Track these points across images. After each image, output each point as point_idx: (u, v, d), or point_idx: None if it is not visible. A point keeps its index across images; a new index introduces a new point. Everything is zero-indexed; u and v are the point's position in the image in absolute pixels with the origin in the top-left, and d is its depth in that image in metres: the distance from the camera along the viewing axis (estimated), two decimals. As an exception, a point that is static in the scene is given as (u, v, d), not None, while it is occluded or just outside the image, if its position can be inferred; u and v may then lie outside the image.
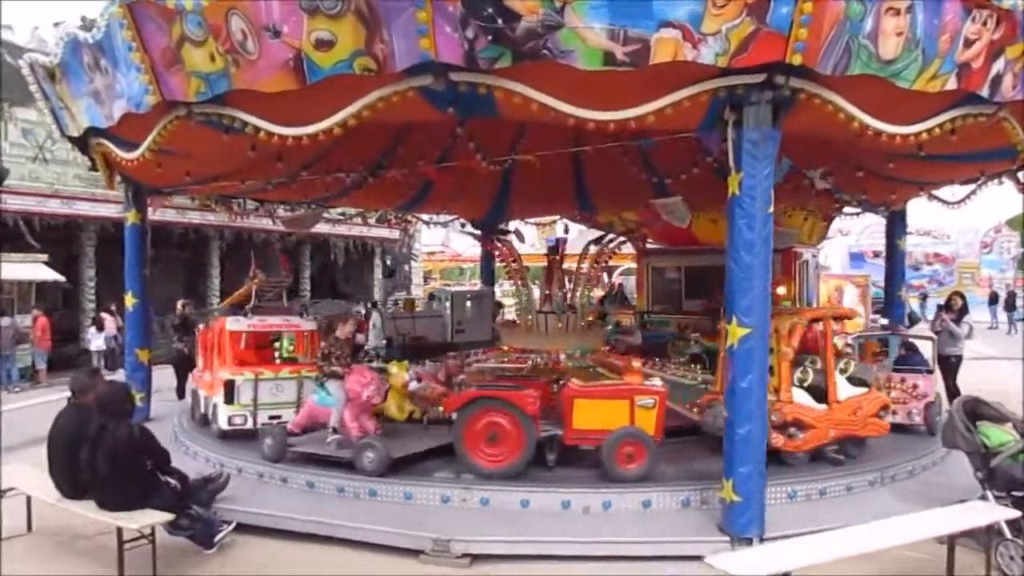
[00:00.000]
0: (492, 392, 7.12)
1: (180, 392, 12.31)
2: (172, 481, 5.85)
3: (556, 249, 11.58)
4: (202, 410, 9.14)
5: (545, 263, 11.29)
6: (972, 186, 10.35)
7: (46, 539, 6.51)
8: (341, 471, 7.09)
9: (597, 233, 17.58)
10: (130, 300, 10.11)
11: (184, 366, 12.14)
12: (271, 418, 8.38)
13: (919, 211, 14.88)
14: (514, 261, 11.00)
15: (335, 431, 7.54)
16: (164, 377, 12.63)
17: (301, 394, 8.49)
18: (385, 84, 5.58)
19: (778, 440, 6.95)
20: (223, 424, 8.34)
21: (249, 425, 8.32)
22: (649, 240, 18.27)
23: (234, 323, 8.84)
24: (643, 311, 17.56)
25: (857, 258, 34.52)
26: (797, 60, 5.20)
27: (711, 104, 5.66)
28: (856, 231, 35.78)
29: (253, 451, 7.80)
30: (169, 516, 5.56)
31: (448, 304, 16.14)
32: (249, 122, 6.16)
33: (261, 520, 6.50)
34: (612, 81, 5.32)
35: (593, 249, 11.25)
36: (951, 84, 5.86)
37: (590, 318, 11.43)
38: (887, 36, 5.45)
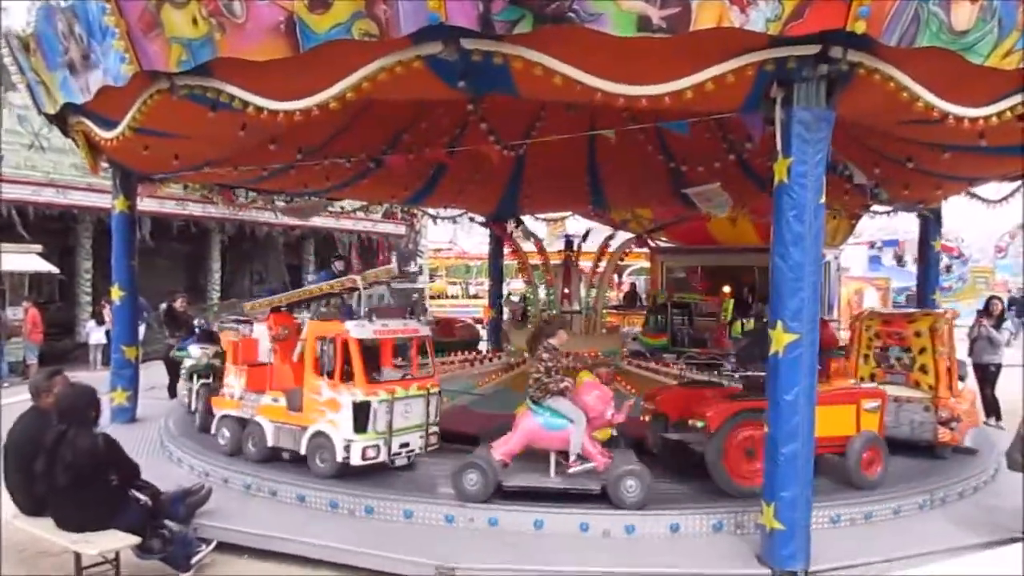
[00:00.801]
0: (751, 403, 6.28)
1: (172, 390, 11.72)
2: (142, 497, 5.20)
3: (572, 245, 10.99)
4: (269, 442, 7.15)
5: (561, 260, 10.70)
6: (1017, 183, 9.68)
7: (10, 555, 5.88)
8: (336, 485, 6.45)
9: (607, 231, 17.08)
10: (117, 293, 9.49)
11: (177, 363, 11.55)
12: (401, 446, 6.82)
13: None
14: (542, 257, 10.40)
15: (580, 459, 6.15)
16: (158, 374, 12.11)
17: (429, 415, 7.04)
18: (388, 52, 4.92)
19: (945, 435, 7.65)
20: (355, 459, 6.50)
21: (383, 457, 6.68)
22: (663, 239, 17.66)
23: (359, 329, 6.78)
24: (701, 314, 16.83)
25: (875, 260, 33.80)
26: (860, 27, 4.52)
27: (757, 79, 4.98)
28: (867, 234, 35.04)
29: (239, 459, 7.18)
30: (135, 539, 4.91)
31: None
32: (236, 96, 5.52)
33: (246, 539, 5.86)
34: (646, 50, 4.65)
35: (613, 246, 10.69)
36: (1028, 61, 5.17)
37: (610, 319, 10.86)
38: (960, 4, 4.77)
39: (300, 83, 5.32)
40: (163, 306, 12.50)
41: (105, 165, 8.98)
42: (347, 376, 6.71)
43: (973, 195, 10.54)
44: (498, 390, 8.85)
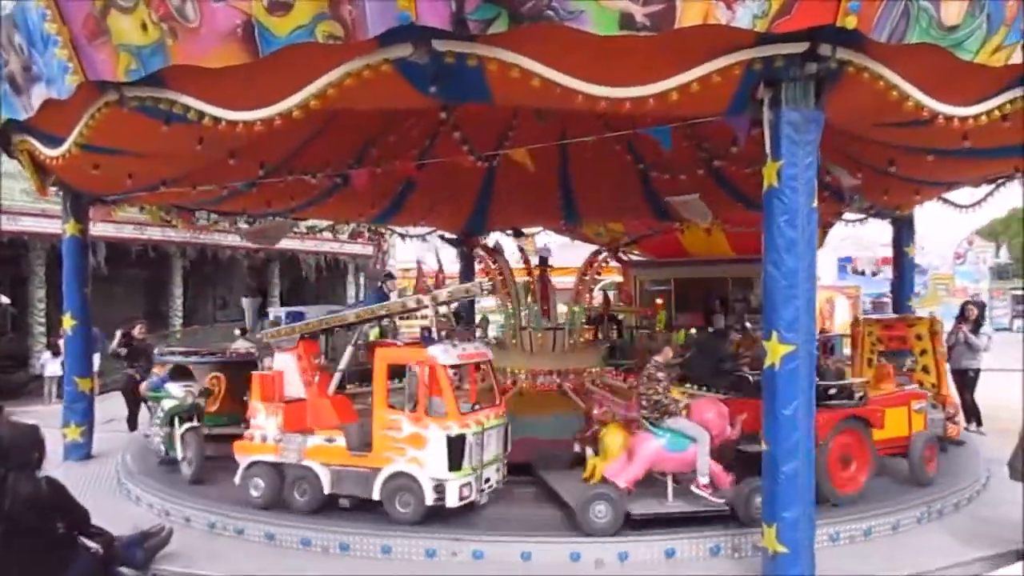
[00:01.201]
0: (851, 412, 6.69)
1: (132, 423, 11.16)
2: (93, 545, 4.74)
3: (546, 261, 10.71)
4: (327, 489, 6.22)
5: (534, 277, 10.38)
6: (989, 188, 9.64)
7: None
8: (307, 520, 6.04)
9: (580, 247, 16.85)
10: (68, 322, 8.96)
11: (136, 394, 11.00)
12: (484, 482, 6.09)
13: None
14: (500, 275, 10.08)
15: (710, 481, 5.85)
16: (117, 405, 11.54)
17: (506, 445, 6.48)
18: (354, 55, 4.62)
19: (953, 430, 8.10)
20: (451, 500, 5.76)
21: (474, 494, 5.96)
22: (635, 252, 17.50)
23: (446, 354, 6.10)
24: (632, 326, 16.68)
25: (843, 270, 34.17)
26: (851, 23, 4.32)
27: (743, 79, 4.77)
28: (832, 244, 35.41)
29: (202, 496, 6.72)
30: (85, 593, 4.46)
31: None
32: (192, 107, 5.15)
33: (210, 583, 5.42)
34: (629, 49, 4.42)
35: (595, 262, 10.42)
36: (1016, 57, 5.03)
37: (585, 335, 10.55)
38: (949, -1, 4.62)
39: (260, 91, 4.98)
40: (118, 333, 11.94)
41: (54, 188, 8.52)
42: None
43: (946, 200, 10.51)
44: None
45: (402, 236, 15.22)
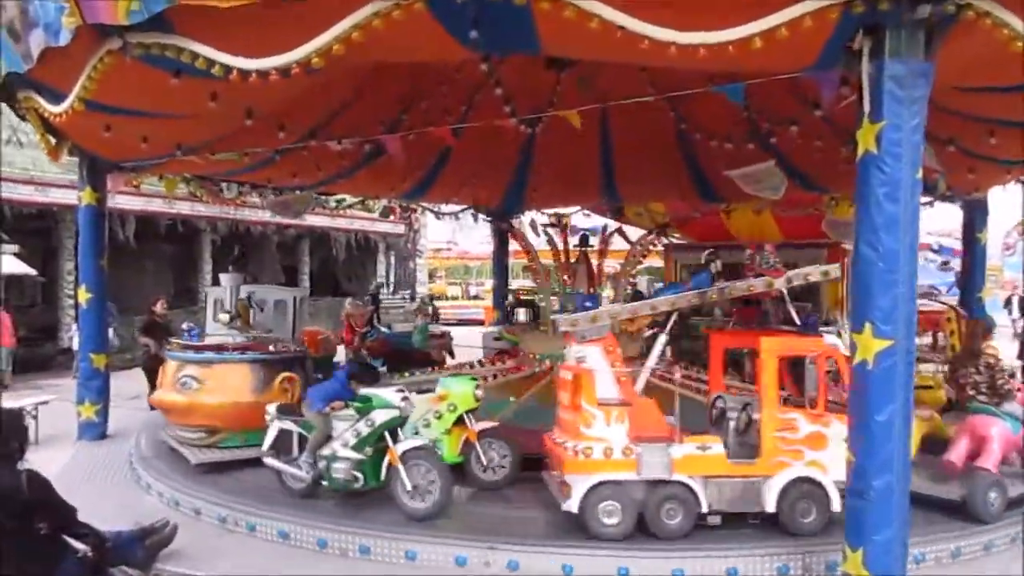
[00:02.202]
0: None
1: (153, 401, 10.77)
2: (80, 547, 4.23)
3: (587, 240, 10.04)
4: (703, 507, 5.23)
5: (575, 258, 9.74)
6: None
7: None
8: (325, 519, 5.49)
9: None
10: (83, 295, 8.50)
11: (158, 372, 10.60)
12: None
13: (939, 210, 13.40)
14: (556, 254, 9.45)
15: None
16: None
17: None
18: (382, -8, 3.98)
19: None
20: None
21: None
22: (676, 235, 16.73)
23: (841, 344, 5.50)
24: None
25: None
26: (979, -47, 3.57)
27: (839, 25, 4.03)
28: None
29: (213, 485, 6.22)
30: (68, 604, 3.95)
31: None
32: (201, 54, 4.55)
33: (216, 587, 4.90)
34: (708, -15, 3.73)
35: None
36: None
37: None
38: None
39: (277, 36, 4.36)
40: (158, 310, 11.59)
41: (70, 155, 8.04)
42: None
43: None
44: (532, 404, 7.72)
45: (436, 214, 14.55)
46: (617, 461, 5.17)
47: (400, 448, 5.61)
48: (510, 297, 15.70)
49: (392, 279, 28.17)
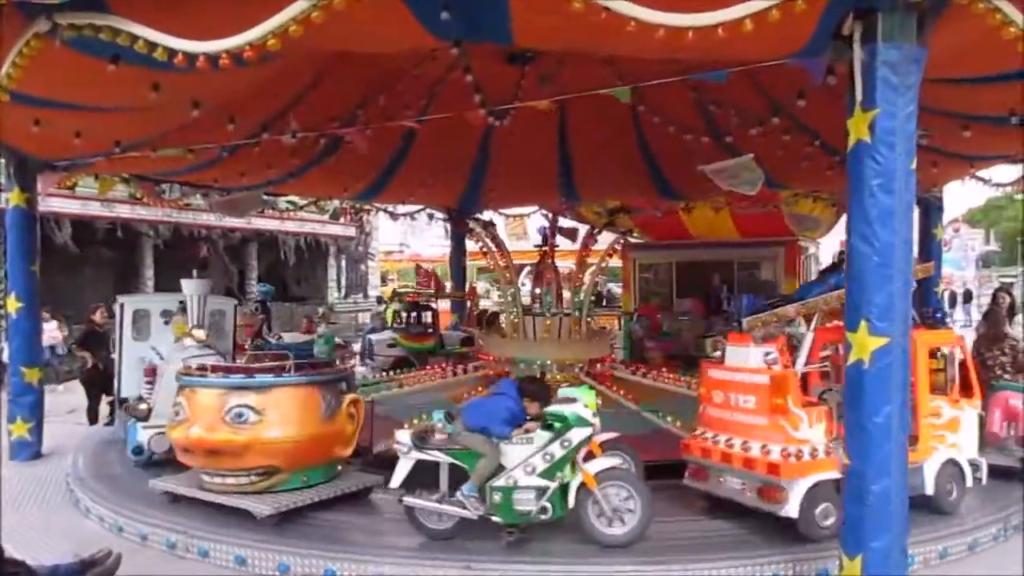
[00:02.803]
0: None
1: (92, 415, 10.13)
2: (8, 588, 3.78)
3: (547, 240, 9.79)
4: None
5: (538, 259, 9.50)
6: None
7: None
8: (287, 542, 5.08)
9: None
10: (13, 304, 7.89)
11: (97, 385, 9.98)
12: None
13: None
14: (502, 256, 9.18)
15: None
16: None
17: None
18: (345, -33, 3.63)
19: None
20: (970, 481, 5.69)
21: None
22: (634, 234, 16.64)
23: None
24: (629, 312, 15.86)
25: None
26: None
27: (829, 8, 3.84)
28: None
29: (161, 509, 5.74)
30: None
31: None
32: (140, 36, 4.12)
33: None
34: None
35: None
36: None
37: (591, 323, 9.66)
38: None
39: (229, 14, 3.97)
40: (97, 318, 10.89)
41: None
42: None
43: (978, 178, 9.69)
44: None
45: (391, 214, 14.15)
46: (823, 461, 5.05)
47: (594, 468, 5.00)
48: (394, 302, 14.92)
49: (343, 282, 27.53)
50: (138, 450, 6.91)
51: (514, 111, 6.71)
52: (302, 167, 9.36)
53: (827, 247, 18.94)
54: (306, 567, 4.86)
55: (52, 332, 13.45)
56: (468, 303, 15.97)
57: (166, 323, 8.12)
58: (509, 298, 8.97)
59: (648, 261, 16.52)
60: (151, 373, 7.50)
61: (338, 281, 27.14)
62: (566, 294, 9.46)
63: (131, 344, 8.29)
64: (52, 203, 16.42)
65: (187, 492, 5.83)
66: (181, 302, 7.83)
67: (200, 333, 7.29)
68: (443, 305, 15.82)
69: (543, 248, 9.61)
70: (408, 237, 38.42)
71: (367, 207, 15.32)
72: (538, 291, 9.02)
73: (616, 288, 20.45)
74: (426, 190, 12.40)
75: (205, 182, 9.79)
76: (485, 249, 9.34)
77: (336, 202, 19.20)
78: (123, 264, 21.08)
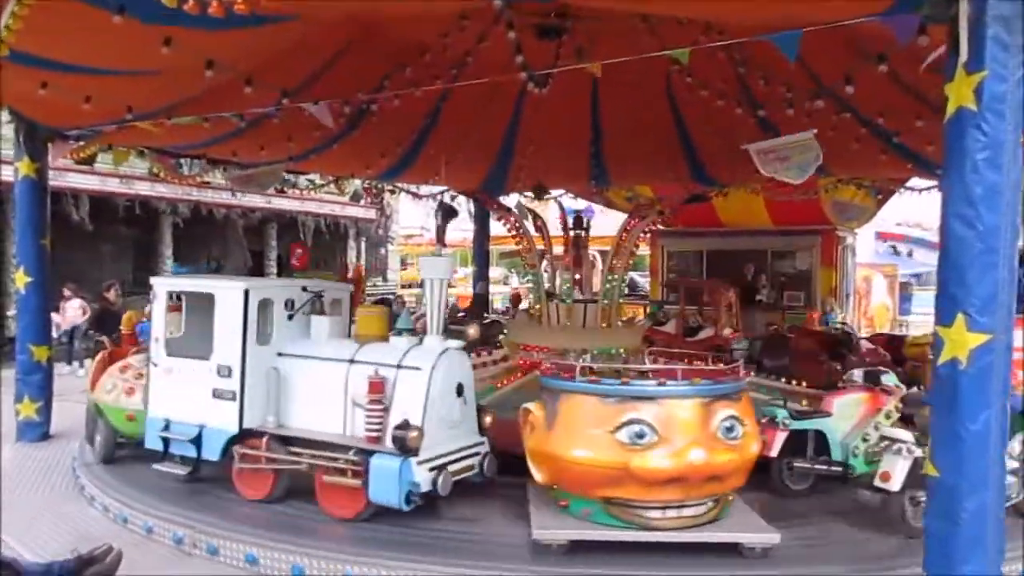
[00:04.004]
0: None
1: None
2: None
3: (581, 223, 9.31)
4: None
5: (570, 243, 9.02)
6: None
7: None
8: (302, 543, 4.68)
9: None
10: (22, 279, 7.54)
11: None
12: None
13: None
14: (541, 237, 8.73)
15: None
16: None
17: None
18: None
19: None
20: None
21: None
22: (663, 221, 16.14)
23: None
24: (657, 301, 15.38)
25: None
26: None
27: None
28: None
29: (171, 502, 5.36)
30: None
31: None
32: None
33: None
34: None
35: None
36: None
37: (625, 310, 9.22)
38: None
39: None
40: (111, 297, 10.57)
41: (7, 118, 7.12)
42: None
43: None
44: (516, 394, 6.99)
45: (414, 195, 13.73)
46: None
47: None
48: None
49: (364, 266, 27.20)
50: (414, 494, 4.77)
51: (552, 81, 6.23)
52: (324, 142, 8.95)
53: (864, 237, 18.30)
54: (322, 570, 4.45)
55: (75, 312, 13.11)
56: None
57: (290, 318, 5.70)
58: (545, 285, 8.53)
59: (677, 248, 16.04)
60: (376, 389, 5.02)
61: (358, 263, 26.80)
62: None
63: (256, 351, 5.50)
64: (70, 178, 16.20)
65: (613, 537, 4.53)
66: (313, 288, 5.96)
67: (473, 330, 5.67)
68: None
69: (577, 232, 9.15)
70: (429, 220, 38.02)
71: (389, 187, 14.89)
72: (572, 277, 8.57)
73: (638, 277, 19.97)
74: (449, 172, 11.96)
75: (224, 156, 9.41)
76: (517, 234, 8.88)
77: (358, 182, 18.80)
78: (142, 242, 20.88)
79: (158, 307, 5.89)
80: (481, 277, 16.20)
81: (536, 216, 9.16)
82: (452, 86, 6.32)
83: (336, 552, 4.53)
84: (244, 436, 5.38)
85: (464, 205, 14.94)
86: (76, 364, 12.70)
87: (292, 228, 23.48)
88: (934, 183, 10.80)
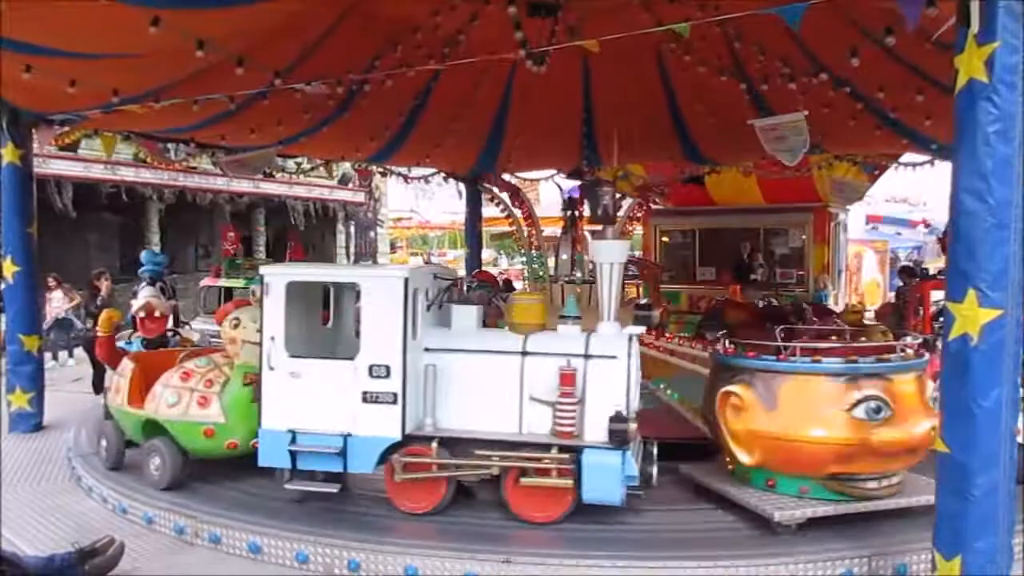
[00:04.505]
0: None
1: (98, 385, 9.74)
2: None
3: (575, 203, 9.25)
4: None
5: (564, 224, 8.96)
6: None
7: None
8: (307, 530, 4.63)
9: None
10: (9, 268, 7.41)
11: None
12: None
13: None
14: (528, 219, 8.66)
15: None
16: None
17: None
18: None
19: None
20: None
21: None
22: (656, 200, 16.09)
23: None
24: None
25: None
26: None
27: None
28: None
29: (171, 490, 5.29)
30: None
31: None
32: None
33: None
34: None
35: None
36: None
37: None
38: None
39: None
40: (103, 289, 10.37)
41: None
42: None
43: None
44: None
45: (404, 177, 13.60)
46: None
47: None
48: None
49: (352, 249, 27.05)
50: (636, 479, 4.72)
51: (549, 59, 6.13)
52: (315, 125, 8.82)
53: (856, 215, 18.35)
54: (328, 557, 4.42)
55: (60, 303, 12.80)
56: None
57: (428, 308, 5.08)
58: (536, 266, 8.46)
59: (670, 227, 16.00)
60: (569, 382, 4.71)
61: (347, 248, 26.65)
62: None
63: (413, 347, 4.90)
64: (53, 165, 15.96)
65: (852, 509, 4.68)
66: (444, 275, 5.57)
67: (657, 315, 5.55)
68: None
69: (571, 213, 9.09)
70: (418, 203, 37.90)
71: (379, 169, 14.75)
72: (566, 258, 8.51)
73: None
74: (439, 154, 11.86)
75: (213, 140, 9.26)
76: (508, 214, 8.82)
77: (347, 166, 18.65)
78: (128, 229, 20.64)
79: (273, 302, 4.94)
80: (474, 259, 16.10)
81: (523, 197, 9.07)
82: (446, 66, 6.19)
83: (344, 539, 4.49)
84: (405, 443, 4.81)
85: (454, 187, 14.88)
86: (66, 355, 12.53)
87: (280, 213, 23.29)
88: (928, 158, 10.82)
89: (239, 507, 5.00)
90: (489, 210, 13.62)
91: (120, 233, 20.73)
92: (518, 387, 4.84)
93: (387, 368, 4.73)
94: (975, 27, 3.35)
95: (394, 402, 4.73)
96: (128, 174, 18.03)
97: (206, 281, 12.17)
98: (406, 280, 4.76)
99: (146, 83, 6.28)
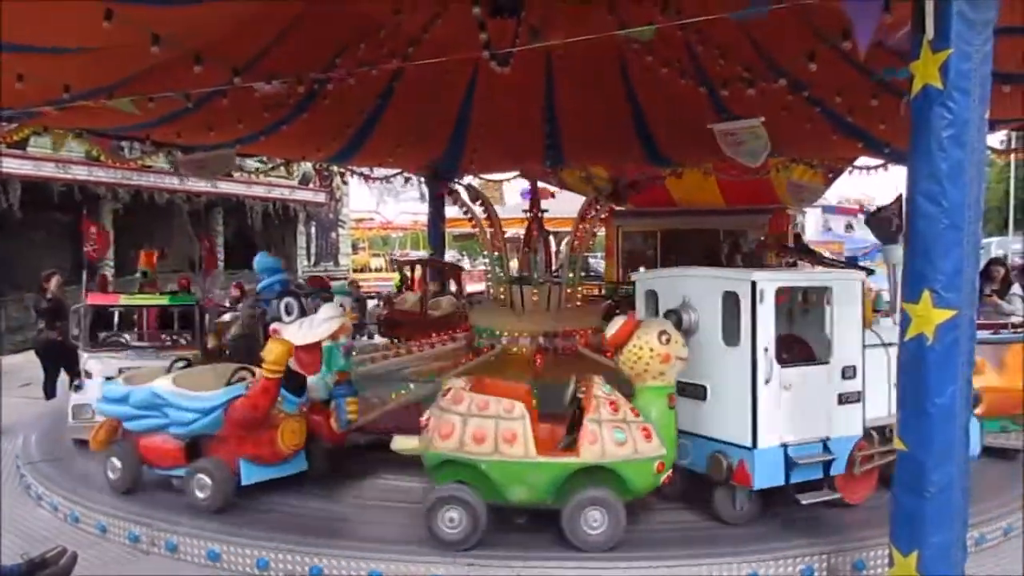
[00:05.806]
0: None
1: (49, 390, 9.47)
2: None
3: (536, 203, 9.27)
4: None
5: (528, 223, 8.98)
6: None
7: None
8: (268, 537, 4.55)
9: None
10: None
11: (55, 356, 9.31)
12: None
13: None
14: (487, 219, 8.63)
15: None
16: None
17: None
18: None
19: None
20: None
21: None
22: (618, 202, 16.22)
23: None
24: (612, 282, 15.51)
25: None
26: None
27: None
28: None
29: (125, 498, 5.14)
30: None
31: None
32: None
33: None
34: None
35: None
36: None
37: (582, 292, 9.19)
38: None
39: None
40: (50, 288, 10.07)
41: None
42: None
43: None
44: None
45: (367, 177, 13.48)
46: None
47: None
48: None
49: (313, 250, 26.73)
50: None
51: (512, 60, 6.12)
52: (275, 123, 8.67)
53: (812, 217, 18.71)
54: (288, 564, 4.34)
55: None
56: None
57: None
58: (497, 266, 8.46)
59: (632, 229, 16.13)
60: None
61: (308, 249, 26.33)
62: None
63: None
64: (1, 164, 15.48)
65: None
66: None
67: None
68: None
69: (531, 213, 9.09)
70: (380, 204, 37.65)
71: (341, 169, 14.60)
72: (536, 259, 8.51)
73: (591, 258, 20.05)
74: (401, 154, 11.77)
75: (168, 138, 9.03)
76: (470, 215, 8.78)
77: (308, 166, 18.42)
78: (79, 230, 20.09)
79: (766, 310, 4.63)
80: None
81: (483, 200, 9.03)
82: (408, 65, 6.13)
83: (304, 546, 4.41)
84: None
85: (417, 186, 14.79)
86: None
87: (239, 213, 22.89)
88: (882, 162, 11.07)
89: (195, 514, 4.88)
90: (452, 211, 13.60)
91: (70, 234, 20.18)
92: (887, 376, 5.02)
93: (854, 368, 4.91)
94: (930, 33, 3.42)
95: (858, 400, 4.93)
96: (81, 172, 17.55)
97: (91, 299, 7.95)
98: (862, 281, 5.13)
99: (100, 79, 6.10)
